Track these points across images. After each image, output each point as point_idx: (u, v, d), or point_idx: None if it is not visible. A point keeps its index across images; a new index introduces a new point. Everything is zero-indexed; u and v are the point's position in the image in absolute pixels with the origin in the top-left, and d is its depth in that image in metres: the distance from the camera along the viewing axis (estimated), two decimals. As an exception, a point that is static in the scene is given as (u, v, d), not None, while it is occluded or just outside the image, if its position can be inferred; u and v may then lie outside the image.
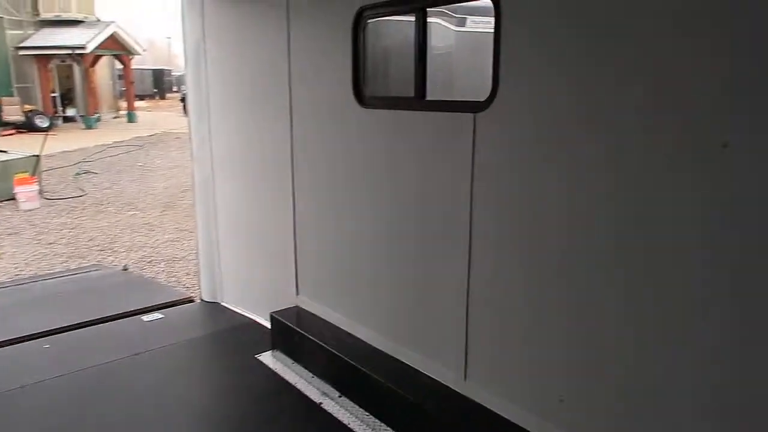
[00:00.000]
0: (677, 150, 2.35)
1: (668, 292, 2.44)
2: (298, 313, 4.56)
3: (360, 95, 3.75)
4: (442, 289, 3.41)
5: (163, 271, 9.23)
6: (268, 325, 4.67)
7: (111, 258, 9.84)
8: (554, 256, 2.83)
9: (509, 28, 2.84)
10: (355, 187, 3.94)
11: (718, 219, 2.27)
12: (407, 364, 3.68)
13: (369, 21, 3.69)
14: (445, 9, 8.94)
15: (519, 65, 2.84)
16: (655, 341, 2.51)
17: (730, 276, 2.26)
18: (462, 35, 8.77)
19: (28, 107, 28.31)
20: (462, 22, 8.80)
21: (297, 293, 4.63)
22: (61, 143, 22.88)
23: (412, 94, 3.47)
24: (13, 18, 29.24)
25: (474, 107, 3.08)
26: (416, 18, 3.38)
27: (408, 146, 3.52)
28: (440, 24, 8.77)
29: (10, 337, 4.83)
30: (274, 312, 4.54)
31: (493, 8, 2.90)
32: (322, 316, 4.39)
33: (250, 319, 5.23)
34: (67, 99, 31.61)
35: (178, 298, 5.96)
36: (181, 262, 9.62)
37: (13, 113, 27.70)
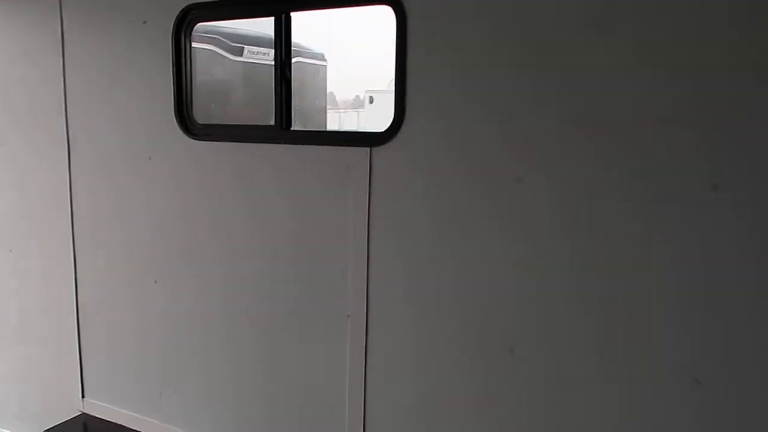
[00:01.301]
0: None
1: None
2: (84, 425, 3.26)
3: (186, 123, 2.78)
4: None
5: None
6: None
7: None
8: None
9: (417, 54, 2.29)
10: (170, 249, 2.96)
11: None
12: None
13: (198, 24, 2.78)
14: (222, 37, 7.98)
15: (428, 95, 2.29)
16: None
17: None
18: (239, 65, 7.92)
19: None
20: (239, 51, 7.97)
21: (83, 396, 3.32)
22: None
23: (267, 121, 2.66)
24: None
25: (369, 140, 2.41)
26: (276, 27, 2.59)
27: (262, 193, 2.68)
28: (216, 51, 7.81)
29: None
30: (49, 429, 3.18)
31: (396, 33, 2.30)
32: (125, 424, 3.18)
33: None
34: None
35: None
36: None
37: None
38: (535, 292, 2.19)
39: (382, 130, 2.42)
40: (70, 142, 3.14)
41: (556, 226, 2.13)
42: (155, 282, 2.99)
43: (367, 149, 2.43)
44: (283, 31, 2.60)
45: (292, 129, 2.62)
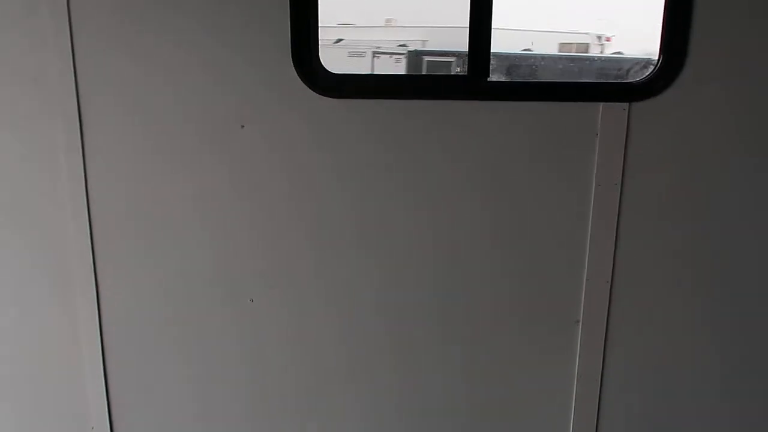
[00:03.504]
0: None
1: None
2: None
3: (311, 70, 1.86)
4: None
5: None
6: None
7: None
8: None
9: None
10: (275, 262, 2.06)
11: None
12: None
13: None
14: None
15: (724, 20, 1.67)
16: None
17: None
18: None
19: None
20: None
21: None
22: None
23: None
24: None
25: (624, 92, 1.74)
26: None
27: (439, 177, 1.90)
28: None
29: None
30: None
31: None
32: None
33: None
34: None
35: None
36: None
37: None
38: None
39: (644, 78, 1.77)
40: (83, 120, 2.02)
41: None
42: (251, 301, 2.09)
43: (624, 106, 1.76)
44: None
45: (491, 80, 1.85)
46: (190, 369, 2.13)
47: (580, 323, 1.93)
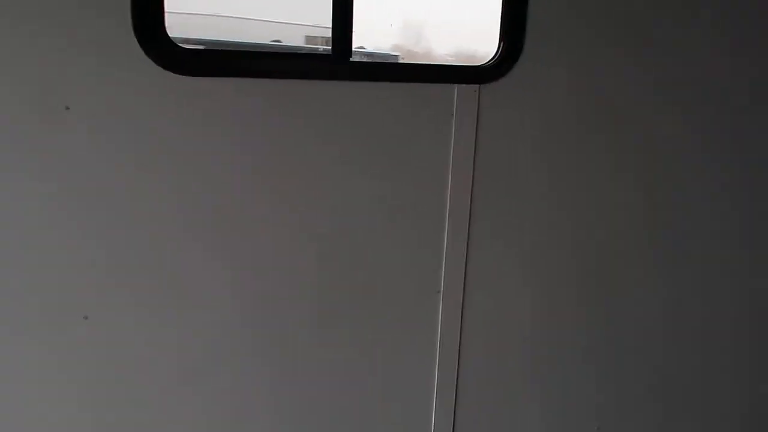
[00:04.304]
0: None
1: None
2: None
3: (155, 42, 1.60)
4: None
5: None
6: None
7: None
8: None
9: None
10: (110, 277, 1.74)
11: None
12: None
13: None
14: None
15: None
16: None
17: None
18: None
19: None
20: None
21: None
22: None
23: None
24: None
25: (475, 74, 1.87)
26: None
27: (299, 160, 1.80)
28: None
29: None
30: None
31: None
32: None
33: None
34: None
35: None
36: None
37: None
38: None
39: (491, 61, 1.90)
40: None
41: None
42: (85, 318, 1.71)
43: (475, 87, 1.88)
44: None
45: (353, 60, 1.79)
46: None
47: (441, 293, 2.03)
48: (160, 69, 1.61)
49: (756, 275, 2.36)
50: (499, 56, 1.88)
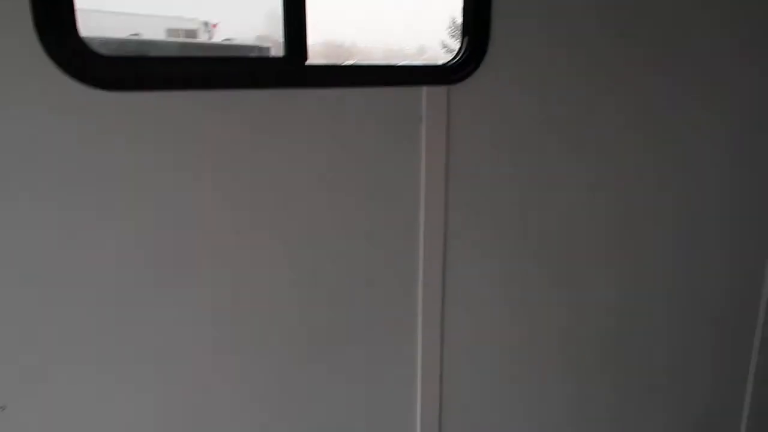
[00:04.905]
0: None
1: None
2: None
3: (66, 48, 1.21)
4: None
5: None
6: None
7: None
8: None
9: None
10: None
11: None
12: None
13: None
14: None
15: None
16: None
17: None
18: None
19: None
20: None
21: None
22: None
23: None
24: None
25: (443, 75, 1.66)
26: None
27: (254, 181, 1.50)
28: None
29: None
30: None
31: None
32: None
33: None
34: None
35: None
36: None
37: None
38: None
39: (455, 61, 1.69)
40: None
41: None
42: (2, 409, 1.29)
43: (443, 89, 1.66)
44: None
45: (309, 64, 1.49)
46: None
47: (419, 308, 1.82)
48: (78, 83, 1.23)
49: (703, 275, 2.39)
50: (464, 52, 1.69)
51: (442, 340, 1.86)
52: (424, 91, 1.65)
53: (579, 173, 1.99)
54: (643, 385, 2.40)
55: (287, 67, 1.48)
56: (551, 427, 2.23)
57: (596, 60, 1.90)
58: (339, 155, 1.59)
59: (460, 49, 1.71)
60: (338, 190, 1.61)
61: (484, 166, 1.79)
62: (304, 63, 1.50)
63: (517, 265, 1.97)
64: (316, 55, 1.53)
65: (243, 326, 1.57)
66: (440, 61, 1.72)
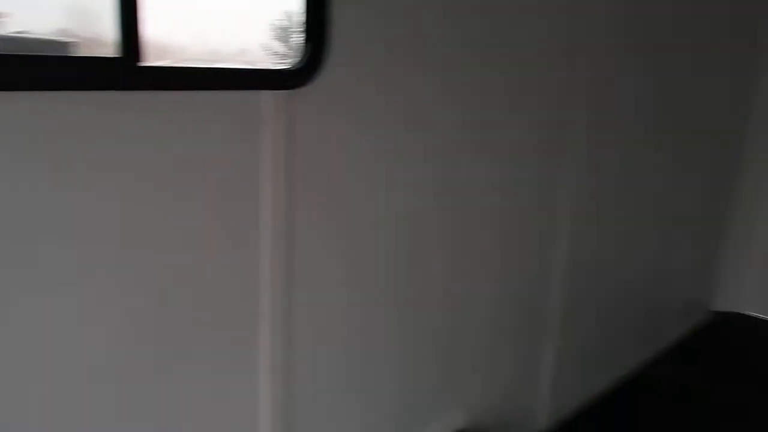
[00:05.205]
0: None
1: None
2: None
3: None
4: None
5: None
6: None
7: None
8: None
9: None
10: None
11: None
12: None
13: None
14: None
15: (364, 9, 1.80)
16: None
17: None
18: None
19: None
20: None
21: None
22: None
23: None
24: None
25: (281, 79, 1.67)
26: None
27: (88, 194, 1.37)
28: None
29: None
30: None
31: None
32: None
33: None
34: None
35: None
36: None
37: None
38: None
39: (295, 66, 1.67)
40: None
41: None
42: None
43: (283, 94, 1.64)
44: None
45: (144, 64, 1.37)
46: None
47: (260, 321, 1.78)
48: None
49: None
50: (307, 56, 1.69)
51: (287, 342, 1.85)
52: (265, 95, 1.63)
53: (425, 169, 2.11)
54: (466, 365, 2.60)
55: (118, 69, 1.37)
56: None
57: (436, 59, 2.04)
58: (173, 160, 1.50)
59: (302, 52, 1.71)
60: (172, 197, 1.53)
61: (330, 167, 1.82)
62: (136, 64, 1.40)
63: (362, 262, 2.02)
64: (149, 55, 1.43)
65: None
66: (279, 65, 1.71)
